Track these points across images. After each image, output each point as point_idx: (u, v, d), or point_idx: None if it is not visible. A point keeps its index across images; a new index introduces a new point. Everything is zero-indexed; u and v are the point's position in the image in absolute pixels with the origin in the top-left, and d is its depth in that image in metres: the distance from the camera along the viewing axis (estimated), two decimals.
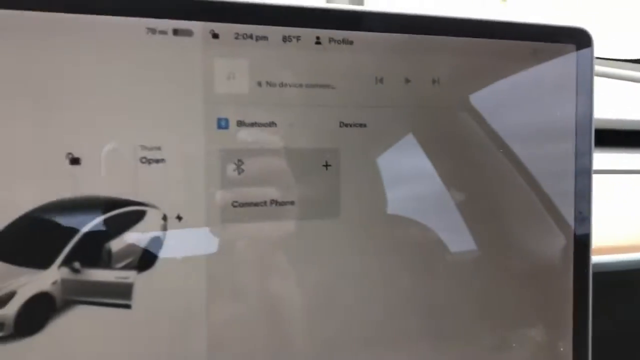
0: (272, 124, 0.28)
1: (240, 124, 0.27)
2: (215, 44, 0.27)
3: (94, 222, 0.26)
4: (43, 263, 0.25)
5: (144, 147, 0.26)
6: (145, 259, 0.26)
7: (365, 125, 0.29)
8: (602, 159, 0.46)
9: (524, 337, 0.33)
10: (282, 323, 0.28)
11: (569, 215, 0.34)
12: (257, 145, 0.28)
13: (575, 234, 0.34)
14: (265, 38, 0.28)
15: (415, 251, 0.31)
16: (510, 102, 0.32)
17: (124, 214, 0.26)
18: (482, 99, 0.32)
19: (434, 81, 0.31)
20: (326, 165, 0.29)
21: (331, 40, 0.29)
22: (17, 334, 0.25)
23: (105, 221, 0.26)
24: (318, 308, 0.29)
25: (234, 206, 0.27)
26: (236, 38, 0.27)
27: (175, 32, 0.26)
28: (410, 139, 0.30)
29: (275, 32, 0.28)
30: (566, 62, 0.33)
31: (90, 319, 0.26)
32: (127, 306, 0.26)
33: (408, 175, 0.30)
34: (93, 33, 0.25)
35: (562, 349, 0.34)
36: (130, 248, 0.26)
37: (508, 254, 0.33)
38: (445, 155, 0.31)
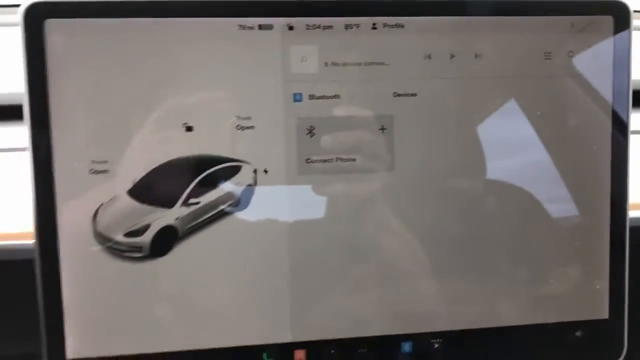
0: (336, 97, 0.35)
1: (312, 97, 0.35)
2: (290, 35, 0.34)
3: (204, 174, 0.34)
4: (169, 203, 0.34)
5: (238, 117, 0.34)
6: (242, 200, 0.35)
7: (415, 95, 0.36)
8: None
9: (563, 275, 0.38)
10: (340, 242, 0.36)
11: (607, 169, 0.38)
12: (325, 114, 0.35)
13: (613, 185, 0.38)
14: (330, 27, 0.34)
15: (459, 199, 0.36)
16: (547, 72, 0.36)
17: (225, 168, 0.34)
18: (522, 70, 0.36)
19: (476, 55, 0.36)
20: (382, 129, 0.35)
21: (385, 25, 0.35)
22: (151, 255, 0.34)
23: (212, 173, 0.34)
24: (371, 241, 0.36)
25: (307, 162, 0.35)
26: (307, 28, 0.34)
27: (260, 27, 0.34)
28: (453, 106, 0.36)
29: (338, 22, 0.34)
30: (604, 34, 0.37)
31: (201, 244, 0.34)
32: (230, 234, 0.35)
33: (451, 135, 0.36)
34: (200, 32, 0.33)
35: (598, 287, 0.38)
36: (231, 193, 0.35)
37: (549, 204, 0.38)
38: (483, 120, 0.36)
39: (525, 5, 0.36)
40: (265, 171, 0.35)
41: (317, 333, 0.36)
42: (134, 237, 0.34)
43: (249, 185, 0.35)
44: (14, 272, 0.39)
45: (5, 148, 0.44)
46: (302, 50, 0.34)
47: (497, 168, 0.37)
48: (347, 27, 0.35)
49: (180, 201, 0.34)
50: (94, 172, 0.33)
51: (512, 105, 0.37)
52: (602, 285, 0.38)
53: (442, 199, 0.36)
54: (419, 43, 0.35)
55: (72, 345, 0.34)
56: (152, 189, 0.34)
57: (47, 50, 0.32)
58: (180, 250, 0.34)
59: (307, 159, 0.35)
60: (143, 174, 0.34)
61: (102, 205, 0.34)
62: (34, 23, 0.32)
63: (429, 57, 0.35)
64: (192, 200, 0.34)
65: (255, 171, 0.35)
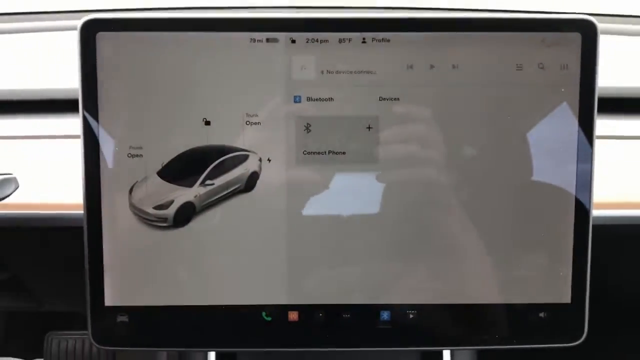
0: (330, 99, 0.41)
1: (309, 99, 0.41)
2: (293, 47, 0.41)
3: (218, 160, 0.42)
4: (189, 183, 0.42)
5: (247, 114, 0.41)
6: (249, 184, 0.42)
7: (398, 99, 0.41)
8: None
9: (530, 261, 0.43)
10: (331, 221, 0.42)
11: (572, 166, 0.42)
12: (321, 114, 0.41)
13: (577, 181, 0.42)
14: (326, 41, 0.41)
15: (434, 189, 0.42)
16: (518, 82, 0.41)
17: (236, 156, 0.42)
18: (494, 80, 0.41)
19: (453, 66, 0.41)
20: (369, 128, 0.42)
21: (373, 39, 0.41)
22: (174, 225, 0.42)
23: (225, 160, 0.42)
24: (358, 222, 0.42)
25: (304, 154, 0.42)
26: (307, 42, 0.41)
27: (268, 40, 0.41)
28: (431, 109, 0.42)
29: (333, 36, 0.41)
30: (573, 49, 0.41)
31: (214, 218, 0.42)
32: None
33: (428, 134, 0.42)
34: (218, 44, 0.41)
35: (561, 273, 0.43)
36: (240, 177, 0.42)
37: (518, 197, 0.43)
38: (458, 122, 0.42)
39: (499, 21, 0.41)
40: (269, 160, 0.42)
41: (309, 298, 0.43)
42: (161, 210, 0.42)
43: (255, 171, 0.42)
44: (68, 238, 0.47)
45: (62, 135, 0.53)
46: (302, 59, 0.41)
47: (469, 162, 0.42)
48: (341, 40, 0.41)
49: (198, 182, 0.42)
50: (130, 156, 0.41)
51: (484, 109, 0.42)
52: (565, 271, 0.43)
53: (420, 188, 0.42)
54: (403, 55, 0.41)
55: (109, 295, 0.42)
56: (177, 171, 0.42)
57: (97, 57, 0.41)
58: (197, 222, 0.42)
59: (304, 151, 0.42)
60: (170, 158, 0.42)
61: (136, 182, 0.42)
62: (88, 35, 0.40)
63: (411, 67, 0.41)
64: (208, 182, 0.42)
65: (260, 160, 0.42)
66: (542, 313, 0.43)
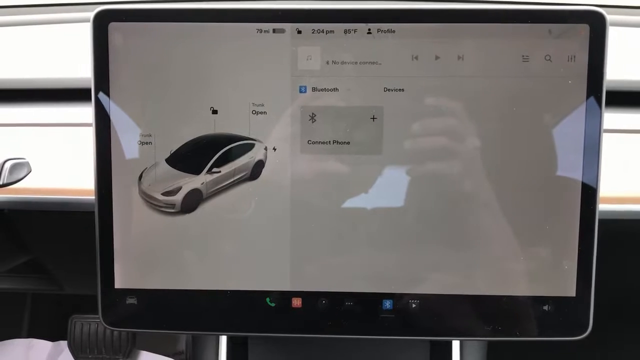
0: (335, 89, 0.42)
1: (314, 89, 0.42)
2: (299, 37, 0.41)
3: (224, 149, 0.43)
4: (197, 170, 0.43)
5: (253, 104, 0.42)
6: (255, 172, 0.43)
7: (403, 90, 0.42)
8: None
9: (535, 254, 0.43)
10: (334, 210, 0.43)
11: (579, 160, 0.42)
12: (325, 104, 0.42)
13: (584, 174, 0.42)
14: (332, 32, 0.41)
15: (438, 181, 0.42)
16: (524, 73, 0.41)
17: (242, 145, 0.42)
18: (500, 71, 0.41)
19: (458, 57, 0.41)
20: (373, 118, 0.42)
21: (379, 30, 0.41)
22: (182, 211, 0.43)
23: (231, 148, 0.43)
24: (361, 212, 0.43)
25: (309, 143, 0.42)
26: (312, 32, 0.41)
27: (274, 30, 0.41)
28: (436, 101, 0.42)
29: (338, 27, 0.41)
30: (581, 40, 0.41)
31: (221, 205, 0.43)
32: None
33: (432, 125, 0.42)
34: (226, 34, 0.41)
35: (566, 267, 0.43)
36: (245, 165, 0.43)
37: (524, 191, 0.42)
38: (463, 113, 0.42)
39: (505, 12, 0.41)
40: (274, 149, 0.42)
41: (312, 285, 0.44)
42: (169, 196, 0.43)
43: (260, 159, 0.43)
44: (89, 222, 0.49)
45: (74, 123, 0.55)
46: (307, 50, 0.42)
47: (474, 154, 0.42)
48: (346, 31, 0.41)
49: (205, 169, 0.43)
50: (140, 143, 0.43)
51: (490, 101, 0.42)
52: (570, 265, 0.43)
53: (423, 180, 0.42)
54: (408, 46, 0.41)
55: (119, 278, 0.44)
56: (185, 158, 0.43)
57: (110, 47, 0.42)
58: (204, 209, 0.43)
59: (309, 141, 0.42)
60: (178, 146, 0.43)
61: (145, 169, 0.43)
62: (100, 26, 0.41)
63: (416, 58, 0.41)
64: (214, 169, 0.43)
65: (265, 148, 0.42)
66: (547, 306, 0.43)
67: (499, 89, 0.42)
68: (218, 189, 0.43)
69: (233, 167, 0.43)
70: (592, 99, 0.41)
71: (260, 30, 0.42)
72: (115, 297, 0.44)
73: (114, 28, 0.42)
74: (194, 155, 0.43)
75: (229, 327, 0.45)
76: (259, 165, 0.43)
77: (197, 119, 0.42)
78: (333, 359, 0.56)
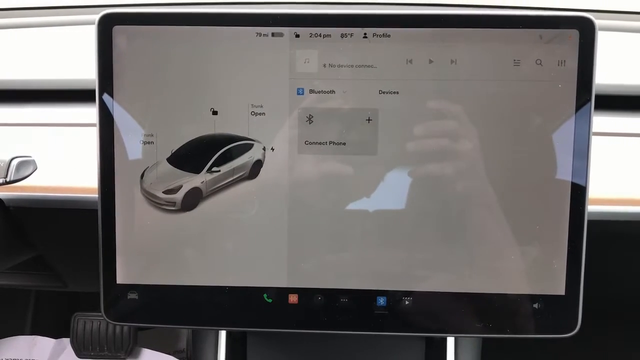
0: (332, 92, 0.43)
1: (312, 91, 0.43)
2: (297, 41, 0.43)
3: (224, 149, 0.44)
4: (197, 169, 0.44)
5: (253, 105, 0.43)
6: (253, 172, 0.44)
7: (397, 93, 0.43)
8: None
9: (525, 253, 0.44)
10: (330, 209, 0.44)
11: (569, 161, 0.43)
12: (322, 106, 0.43)
13: (574, 175, 0.43)
14: (329, 35, 0.43)
15: (432, 182, 0.43)
16: (515, 77, 0.42)
17: (241, 145, 0.44)
18: (492, 75, 0.43)
19: (452, 61, 0.43)
20: (369, 120, 0.43)
21: (374, 34, 0.43)
22: (182, 209, 0.44)
23: (231, 148, 0.44)
24: (357, 211, 0.44)
25: (306, 144, 0.44)
26: (310, 36, 0.43)
27: (273, 34, 0.43)
28: (429, 103, 0.43)
29: (335, 31, 0.43)
30: (571, 45, 0.42)
31: (220, 204, 0.44)
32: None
33: (426, 127, 0.43)
34: (226, 37, 0.43)
35: (556, 266, 0.44)
36: (244, 164, 0.44)
37: (515, 191, 0.44)
38: (456, 115, 0.43)
39: (497, 18, 0.42)
40: (272, 149, 0.44)
41: (308, 282, 0.45)
42: (170, 194, 0.44)
43: (259, 159, 0.44)
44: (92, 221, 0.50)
45: (78, 123, 0.56)
46: (305, 53, 0.43)
47: (466, 156, 0.43)
48: (343, 35, 0.43)
49: (205, 169, 0.44)
50: (142, 143, 0.44)
51: (482, 104, 0.43)
52: (560, 264, 0.44)
53: (417, 181, 0.44)
54: (402, 50, 0.43)
55: (120, 273, 0.45)
56: (185, 158, 0.44)
57: (114, 49, 0.43)
58: (204, 207, 0.44)
59: (306, 141, 0.44)
60: (179, 146, 0.44)
61: (147, 168, 0.44)
62: (105, 29, 0.43)
63: (411, 61, 0.43)
64: (214, 169, 0.44)
65: (264, 149, 0.44)
66: (537, 304, 0.44)
67: (491, 92, 0.43)
68: (217, 187, 0.44)
69: (232, 167, 0.44)
70: (581, 102, 0.42)
71: (259, 34, 0.43)
72: (117, 292, 0.45)
73: (118, 31, 0.43)
74: (194, 155, 0.44)
75: (227, 322, 0.47)
76: (258, 165, 0.44)
77: (198, 120, 0.44)
78: (329, 356, 0.57)
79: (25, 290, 0.95)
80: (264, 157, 0.44)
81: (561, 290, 0.44)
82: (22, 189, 0.51)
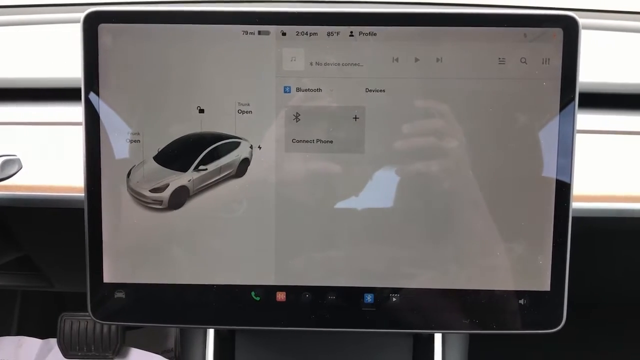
0: (318, 90, 0.43)
1: (299, 89, 0.43)
2: (283, 39, 0.43)
3: (211, 147, 0.44)
4: (184, 168, 0.44)
5: (239, 104, 0.43)
6: (240, 170, 0.44)
7: (383, 91, 0.43)
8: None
9: (510, 250, 0.44)
10: (318, 207, 0.44)
11: (553, 158, 0.43)
12: (309, 104, 0.43)
13: (558, 173, 0.43)
14: (315, 34, 0.43)
15: (418, 179, 0.44)
16: (500, 75, 0.43)
17: (228, 143, 0.44)
18: (477, 73, 0.43)
19: (437, 59, 0.43)
20: (355, 118, 0.43)
21: (360, 33, 0.43)
22: (169, 207, 0.44)
23: (218, 146, 0.44)
24: (343, 209, 0.44)
25: (293, 142, 0.44)
26: (297, 35, 0.43)
27: (259, 32, 0.43)
28: (415, 101, 0.43)
29: (322, 29, 0.43)
30: (555, 44, 0.42)
31: (207, 202, 0.44)
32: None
33: (412, 125, 0.43)
34: (212, 35, 0.43)
35: (541, 262, 0.44)
36: (231, 162, 0.44)
37: (499, 188, 0.44)
38: (442, 113, 0.43)
39: (482, 17, 0.43)
40: (259, 147, 0.44)
41: (296, 279, 0.45)
42: (157, 193, 0.44)
43: (246, 157, 0.44)
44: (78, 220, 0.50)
45: (64, 122, 0.56)
46: (292, 52, 0.43)
47: (453, 153, 0.44)
48: (329, 34, 0.43)
49: (192, 167, 0.44)
50: (129, 141, 0.44)
51: (467, 102, 0.43)
52: (545, 260, 0.44)
53: (404, 179, 0.44)
54: (389, 48, 0.43)
55: (107, 272, 0.45)
56: (172, 156, 0.44)
57: (99, 47, 0.43)
58: (191, 206, 0.44)
59: (293, 139, 0.44)
60: (165, 144, 0.44)
61: (134, 166, 0.44)
62: (90, 27, 0.43)
63: (397, 60, 0.43)
64: (201, 167, 0.44)
65: (251, 147, 0.44)
66: (522, 300, 0.45)
67: (476, 90, 0.43)
68: (204, 186, 0.44)
69: (219, 165, 0.44)
70: (566, 100, 0.43)
71: (245, 32, 0.43)
72: (104, 291, 0.45)
73: (104, 29, 0.43)
74: (181, 153, 0.44)
75: (215, 321, 0.47)
76: (245, 163, 0.44)
77: (185, 118, 0.44)
78: (318, 353, 0.58)
79: (11, 290, 0.94)
80: (251, 155, 0.44)
81: (546, 287, 0.45)
82: (7, 188, 0.51)
